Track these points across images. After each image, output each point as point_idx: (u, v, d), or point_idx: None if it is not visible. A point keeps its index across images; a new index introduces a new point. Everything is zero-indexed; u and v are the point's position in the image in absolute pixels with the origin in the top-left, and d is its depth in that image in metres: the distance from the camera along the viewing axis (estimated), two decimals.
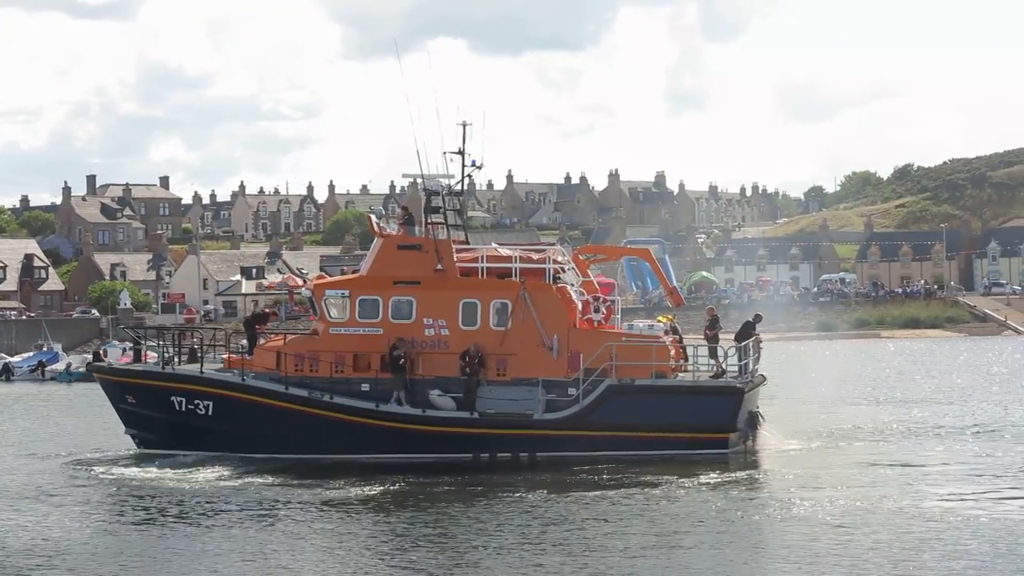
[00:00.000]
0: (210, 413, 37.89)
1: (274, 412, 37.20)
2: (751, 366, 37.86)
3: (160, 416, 38.67)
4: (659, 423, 35.93)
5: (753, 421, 37.64)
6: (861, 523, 26.98)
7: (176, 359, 40.16)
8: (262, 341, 39.48)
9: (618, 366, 36.27)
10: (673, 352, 37.70)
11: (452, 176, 38.76)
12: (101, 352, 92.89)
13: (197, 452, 37.66)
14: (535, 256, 38.06)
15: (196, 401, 38.01)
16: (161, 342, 40.97)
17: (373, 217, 39.95)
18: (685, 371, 38.03)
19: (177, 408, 38.22)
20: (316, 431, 36.95)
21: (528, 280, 37.12)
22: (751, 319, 39.11)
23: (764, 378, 38.83)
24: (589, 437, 35.86)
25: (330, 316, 37.64)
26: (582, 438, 35.83)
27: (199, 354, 39.97)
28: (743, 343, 37.88)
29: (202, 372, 38.57)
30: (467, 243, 39.49)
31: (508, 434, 36.24)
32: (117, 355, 79.80)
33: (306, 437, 37.07)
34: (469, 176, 39.16)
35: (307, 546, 26.25)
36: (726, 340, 39.25)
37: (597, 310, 37.33)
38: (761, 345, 39.02)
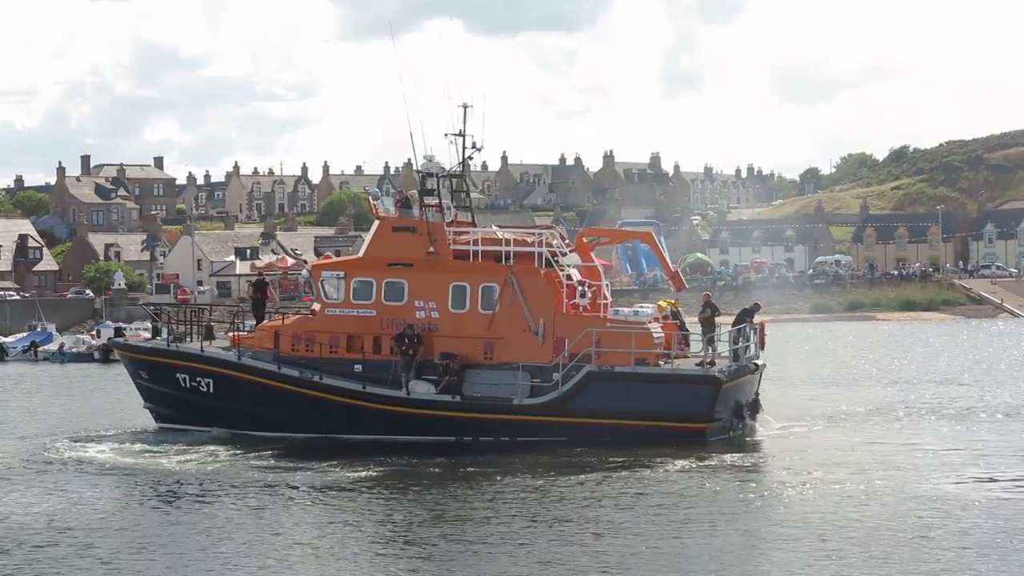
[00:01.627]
0: (211, 390, 38.55)
1: (267, 391, 37.66)
2: (746, 354, 37.32)
3: (169, 392, 39.52)
4: (637, 411, 35.49)
5: (740, 410, 36.99)
6: (864, 504, 26.94)
7: (189, 336, 40.71)
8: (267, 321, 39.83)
9: (599, 352, 35.98)
10: (661, 338, 37.00)
11: (447, 157, 38.66)
12: (93, 333, 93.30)
13: (207, 428, 38.51)
14: (529, 239, 37.79)
15: (198, 378, 38.75)
16: (168, 319, 42.05)
17: (371, 198, 39.96)
18: (685, 357, 37.48)
19: (182, 385, 38.96)
20: (306, 410, 37.27)
21: (516, 264, 36.93)
22: (748, 307, 38.60)
23: (758, 366, 38.10)
24: (568, 423, 35.59)
25: (326, 297, 37.84)
26: (561, 424, 35.60)
27: (213, 332, 40.95)
28: (734, 329, 37.48)
29: (202, 350, 38.98)
30: (474, 224, 39.31)
31: (489, 418, 36.20)
32: (110, 334, 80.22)
33: (297, 416, 37.41)
34: (470, 157, 39.12)
35: (305, 525, 26.19)
36: (723, 327, 38.89)
37: (583, 295, 37.02)
38: (765, 332, 38.55)
